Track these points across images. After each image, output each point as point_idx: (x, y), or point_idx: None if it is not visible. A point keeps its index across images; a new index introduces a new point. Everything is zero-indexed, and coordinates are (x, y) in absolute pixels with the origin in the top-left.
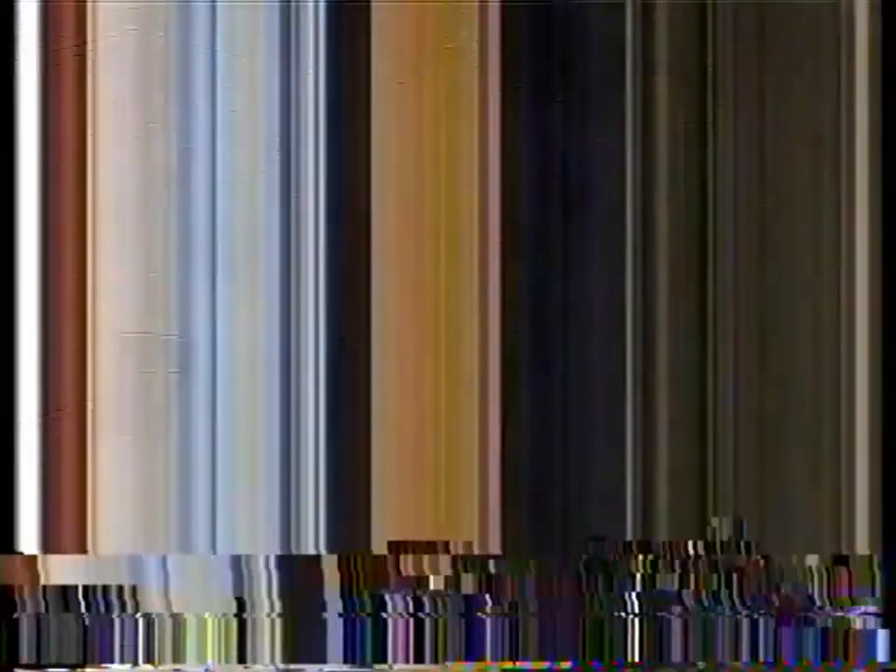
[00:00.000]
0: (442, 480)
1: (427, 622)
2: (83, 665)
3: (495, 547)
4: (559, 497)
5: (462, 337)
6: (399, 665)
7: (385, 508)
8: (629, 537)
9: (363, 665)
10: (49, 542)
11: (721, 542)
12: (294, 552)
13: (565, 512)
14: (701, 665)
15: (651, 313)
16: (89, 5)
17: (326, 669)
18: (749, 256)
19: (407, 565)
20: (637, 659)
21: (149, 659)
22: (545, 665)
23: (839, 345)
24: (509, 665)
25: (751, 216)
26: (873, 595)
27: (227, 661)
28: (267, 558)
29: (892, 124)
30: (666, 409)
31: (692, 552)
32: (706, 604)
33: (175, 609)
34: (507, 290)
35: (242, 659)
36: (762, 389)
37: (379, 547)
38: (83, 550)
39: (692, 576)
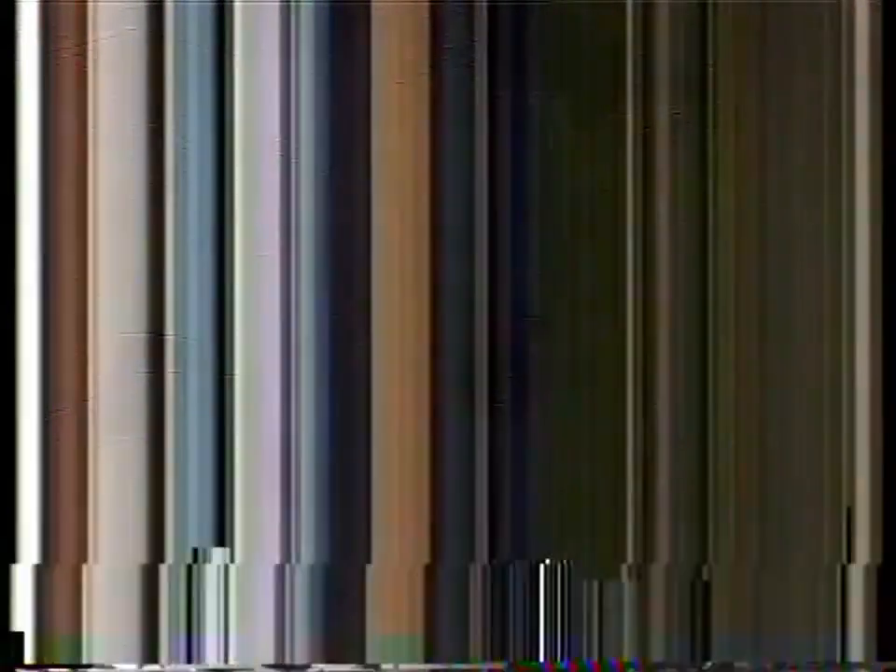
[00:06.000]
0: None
1: None
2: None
3: None
4: None
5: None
6: (403, 665)
7: (378, 513)
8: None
9: None
10: (50, 541)
11: None
12: (294, 550)
13: None
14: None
15: (652, 309)
16: (89, 5)
17: (326, 669)
18: (749, 255)
19: None
20: None
21: None
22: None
23: (840, 350)
24: None
25: (752, 215)
26: None
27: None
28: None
29: (893, 124)
30: (667, 417)
31: None
32: None
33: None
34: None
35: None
36: (762, 392)
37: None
38: (83, 548)
39: None
